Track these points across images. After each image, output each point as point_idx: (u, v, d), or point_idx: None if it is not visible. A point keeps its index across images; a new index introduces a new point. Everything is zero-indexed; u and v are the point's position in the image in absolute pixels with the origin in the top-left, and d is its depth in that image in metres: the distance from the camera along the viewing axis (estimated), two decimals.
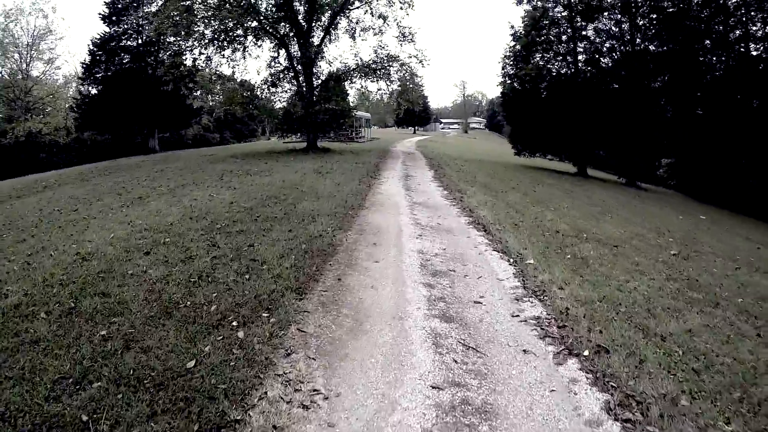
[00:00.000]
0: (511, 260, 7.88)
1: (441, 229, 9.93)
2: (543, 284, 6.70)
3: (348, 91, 34.08)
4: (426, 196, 14.05)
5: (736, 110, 28.23)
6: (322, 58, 29.55)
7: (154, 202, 12.83)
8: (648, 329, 5.45)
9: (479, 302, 6.09)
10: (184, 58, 28.79)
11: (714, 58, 31.45)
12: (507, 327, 5.43)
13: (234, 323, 5.20)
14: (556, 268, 7.40)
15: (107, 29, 41.59)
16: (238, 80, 34.77)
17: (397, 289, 6.40)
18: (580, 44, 32.32)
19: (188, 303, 5.70)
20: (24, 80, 49.75)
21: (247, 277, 6.52)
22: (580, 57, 32.31)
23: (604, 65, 32.22)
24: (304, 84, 29.17)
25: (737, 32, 30.15)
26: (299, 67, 29.09)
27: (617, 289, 6.76)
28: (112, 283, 6.44)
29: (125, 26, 41.64)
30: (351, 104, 35.91)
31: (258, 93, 31.46)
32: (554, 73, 33.05)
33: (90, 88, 42.60)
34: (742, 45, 29.78)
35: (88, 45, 41.53)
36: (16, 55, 49.74)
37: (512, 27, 34.04)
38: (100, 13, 41.47)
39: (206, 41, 27.29)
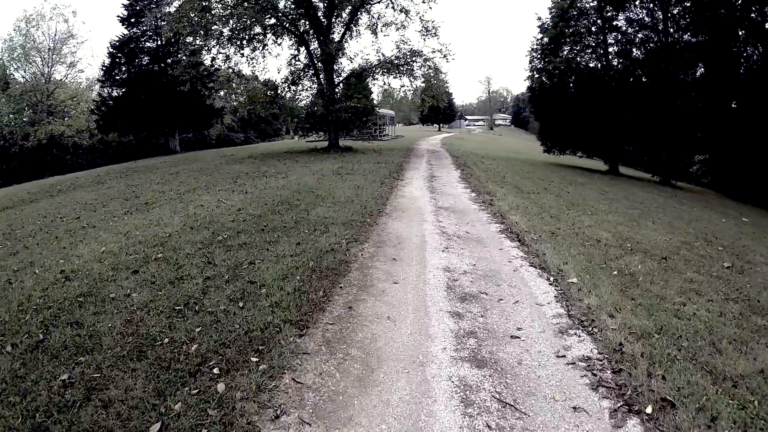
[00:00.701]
0: (551, 278, 6.84)
1: (470, 239, 8.90)
2: (590, 310, 5.65)
3: (371, 89, 33.22)
4: (452, 200, 13.03)
5: None
6: (343, 54, 28.62)
7: (159, 209, 12.02)
8: (716, 371, 4.40)
9: (517, 337, 5.05)
10: (201, 57, 28.02)
11: (750, 49, 29.68)
12: (551, 372, 4.39)
13: (215, 370, 4.23)
14: (603, 288, 6.36)
15: (126, 31, 41.36)
16: (262, 79, 34.26)
17: (418, 321, 5.38)
18: (610, 35, 30.95)
19: (166, 340, 4.77)
20: (46, 84, 49.80)
21: (240, 305, 5.54)
22: (611, 49, 30.98)
23: (636, 58, 30.67)
24: (324, 81, 28.31)
25: None
26: (319, 64, 28.24)
27: (675, 316, 5.70)
28: (90, 309, 5.61)
29: (144, 27, 41.29)
30: (374, 102, 34.97)
31: (281, 92, 30.73)
32: (583, 67, 31.73)
33: (110, 91, 42.30)
34: None
35: (107, 47, 41.36)
36: (39, 60, 49.91)
37: (539, 19, 32.98)
38: (118, 16, 41.38)
39: (224, 40, 26.62)
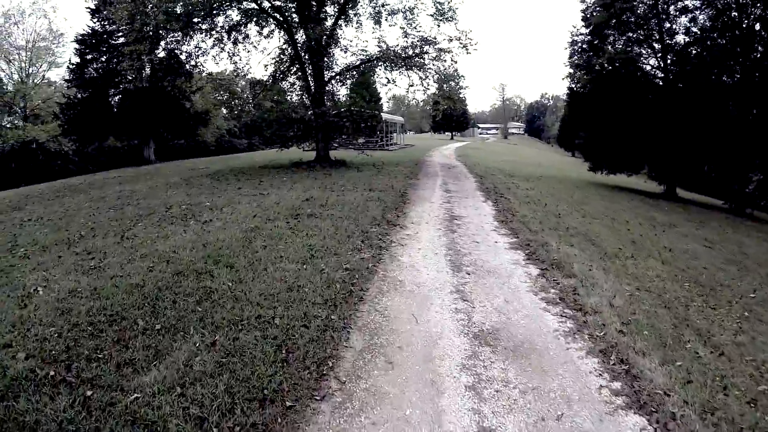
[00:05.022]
0: None
1: None
2: None
3: (378, 92, 26.95)
4: (501, 297, 6.60)
5: None
6: (336, 44, 22.27)
7: None
8: None
9: None
10: (157, 46, 21.99)
11: None
12: None
13: None
14: None
15: (94, 25, 35.71)
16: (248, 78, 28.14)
17: None
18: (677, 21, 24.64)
19: None
20: (24, 85, 44.42)
21: None
22: (676, 38, 24.67)
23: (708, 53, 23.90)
24: (312, 78, 22.13)
25: None
26: (306, 56, 21.97)
27: None
28: None
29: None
30: (382, 106, 28.76)
31: (259, 92, 24.59)
32: (640, 65, 25.33)
33: (77, 92, 36.52)
34: None
35: (74, 43, 35.85)
36: (18, 59, 44.80)
37: (583, 2, 26.47)
38: (87, 8, 35.64)
39: (199, 30, 21.02)
